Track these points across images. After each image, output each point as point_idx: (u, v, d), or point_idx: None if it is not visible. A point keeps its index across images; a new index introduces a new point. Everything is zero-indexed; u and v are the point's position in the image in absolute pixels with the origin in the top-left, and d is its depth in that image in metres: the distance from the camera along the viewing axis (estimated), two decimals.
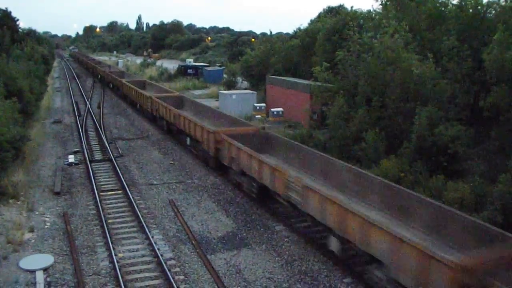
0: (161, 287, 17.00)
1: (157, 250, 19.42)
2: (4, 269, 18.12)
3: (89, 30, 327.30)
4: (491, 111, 25.67)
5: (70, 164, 31.91)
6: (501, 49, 25.00)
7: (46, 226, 22.10)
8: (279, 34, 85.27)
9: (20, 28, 77.52)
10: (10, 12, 69.63)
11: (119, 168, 30.49)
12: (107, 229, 21.32)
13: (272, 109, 47.87)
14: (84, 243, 20.45)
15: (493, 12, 31.91)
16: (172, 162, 33.06)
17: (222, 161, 28.34)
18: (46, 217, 23.13)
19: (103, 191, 26.80)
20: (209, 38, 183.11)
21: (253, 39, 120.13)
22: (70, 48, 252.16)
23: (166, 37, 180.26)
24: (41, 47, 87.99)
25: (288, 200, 21.28)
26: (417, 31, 35.23)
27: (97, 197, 25.32)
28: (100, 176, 29.57)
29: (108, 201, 25.24)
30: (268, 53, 63.90)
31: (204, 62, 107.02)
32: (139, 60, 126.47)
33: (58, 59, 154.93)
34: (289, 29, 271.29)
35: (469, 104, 28.61)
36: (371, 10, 46.56)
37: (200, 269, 18.41)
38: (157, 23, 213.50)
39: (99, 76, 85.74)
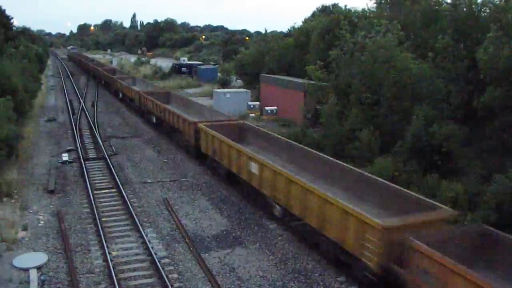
0: (155, 286, 17.01)
1: (151, 249, 19.41)
2: None
3: (84, 28, 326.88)
4: (485, 110, 25.71)
5: (64, 163, 31.86)
6: (495, 47, 25.02)
7: (40, 225, 22.08)
8: (274, 33, 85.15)
9: (14, 26, 77.11)
10: (4, 10, 69.26)
11: (113, 167, 30.47)
12: (101, 227, 21.30)
13: (266, 108, 47.94)
14: (78, 242, 20.43)
15: (487, 11, 31.93)
16: (166, 160, 33.05)
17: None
18: (40, 216, 23.10)
19: (97, 189, 26.78)
20: (203, 36, 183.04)
21: (247, 38, 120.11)
22: (69, 48, 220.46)
23: (160, 36, 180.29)
24: (35, 46, 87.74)
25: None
26: (411, 30, 35.27)
27: (91, 195, 25.29)
28: (94, 174, 29.54)
29: (102, 200, 25.22)
30: (262, 51, 63.89)
31: (198, 61, 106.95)
32: (133, 59, 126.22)
33: (52, 57, 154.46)
34: (284, 27, 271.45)
35: (463, 103, 28.63)
36: (366, 8, 46.59)
37: (194, 267, 18.43)
38: (152, 21, 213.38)
39: (120, 95, 61.23)
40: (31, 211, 23.67)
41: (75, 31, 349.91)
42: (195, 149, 32.39)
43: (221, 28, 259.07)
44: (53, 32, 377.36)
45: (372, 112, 31.24)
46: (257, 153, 25.15)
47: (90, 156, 33.62)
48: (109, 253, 18.99)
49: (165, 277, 17.18)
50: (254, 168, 23.44)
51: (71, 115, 48.69)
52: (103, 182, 28.17)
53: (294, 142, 27.48)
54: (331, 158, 23.93)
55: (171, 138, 37.73)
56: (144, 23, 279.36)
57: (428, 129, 26.01)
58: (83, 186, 27.43)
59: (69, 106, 53.75)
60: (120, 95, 60.74)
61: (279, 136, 29.09)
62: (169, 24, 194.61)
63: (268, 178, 22.08)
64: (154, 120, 43.19)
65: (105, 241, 20.03)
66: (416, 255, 14.49)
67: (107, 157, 32.56)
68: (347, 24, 36.73)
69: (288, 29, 74.52)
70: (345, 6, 54.76)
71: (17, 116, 35.53)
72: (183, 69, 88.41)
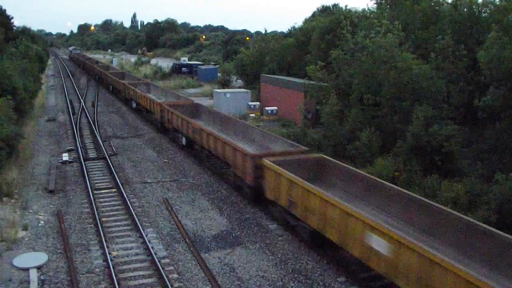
0: (155, 286, 16.99)
1: (151, 249, 19.39)
2: None
3: (84, 28, 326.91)
4: (487, 111, 25.68)
5: (64, 162, 31.85)
6: (497, 48, 24.97)
7: (40, 224, 22.06)
8: (274, 33, 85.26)
9: (14, 26, 77.26)
10: (5, 10, 69.40)
11: (113, 167, 30.45)
12: (101, 227, 21.29)
13: (267, 108, 47.91)
14: (78, 241, 20.41)
15: (488, 11, 31.94)
16: (166, 160, 33.03)
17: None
18: (40, 215, 23.08)
19: (97, 189, 26.76)
20: (203, 36, 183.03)
21: (247, 38, 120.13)
22: (70, 48, 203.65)
23: (161, 36, 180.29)
24: (35, 45, 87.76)
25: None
26: (412, 30, 35.27)
27: (91, 195, 25.28)
28: (94, 174, 29.53)
29: (102, 199, 25.21)
30: (262, 51, 63.93)
31: (198, 61, 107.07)
32: (133, 59, 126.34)
33: (52, 58, 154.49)
34: (284, 28, 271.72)
35: (463, 103, 28.65)
36: (366, 9, 46.65)
37: (194, 267, 18.41)
38: (152, 21, 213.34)
39: (134, 105, 51.66)
40: (31, 211, 23.66)
41: (75, 31, 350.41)
42: (253, 191, 24.07)
43: (221, 28, 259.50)
44: (53, 32, 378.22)
45: (373, 113, 31.22)
46: (343, 200, 18.18)
47: (90, 156, 33.60)
48: (109, 253, 18.98)
49: (165, 277, 17.15)
50: (378, 244, 15.36)
51: (71, 115, 48.68)
52: (103, 182, 28.15)
53: (406, 191, 19.16)
54: (473, 221, 16.37)
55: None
56: (145, 23, 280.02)
57: (428, 129, 26.01)
58: (83, 186, 27.42)
59: (69, 106, 53.75)
60: (134, 104, 51.58)
61: (381, 180, 20.40)
62: (170, 24, 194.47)
63: (413, 267, 14.06)
64: (184, 142, 34.57)
65: (105, 241, 20.02)
66: None
67: (107, 157, 32.55)
68: (348, 25, 36.72)
69: (289, 29, 74.66)
70: (346, 6, 54.67)
71: (18, 116, 35.57)
72: (184, 69, 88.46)
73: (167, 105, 39.10)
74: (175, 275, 17.69)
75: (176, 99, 45.73)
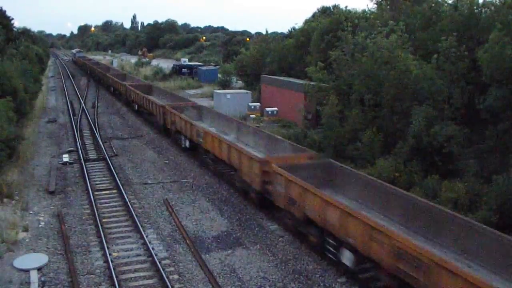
0: (156, 287, 16.98)
1: (151, 250, 19.39)
2: None
3: (84, 29, 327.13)
4: (489, 112, 25.61)
5: (65, 164, 31.84)
6: (498, 47, 24.89)
7: (40, 226, 22.06)
8: (274, 34, 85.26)
9: (14, 27, 77.12)
10: (5, 11, 69.26)
11: (113, 168, 30.45)
12: (102, 228, 21.28)
13: (267, 109, 47.88)
14: (79, 243, 20.41)
15: (488, 12, 31.88)
16: (166, 161, 33.02)
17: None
18: (41, 217, 23.08)
19: (97, 190, 26.75)
20: (204, 37, 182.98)
21: (247, 39, 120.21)
22: (73, 50, 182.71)
23: (161, 37, 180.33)
24: (35, 46, 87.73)
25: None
26: (412, 31, 35.22)
27: (92, 196, 25.26)
28: (94, 175, 29.52)
29: (102, 201, 25.20)
30: (263, 52, 63.90)
31: (198, 62, 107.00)
32: (133, 60, 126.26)
33: (53, 59, 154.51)
34: (284, 28, 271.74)
35: (464, 104, 28.59)
36: (366, 10, 46.62)
37: (195, 268, 18.40)
38: (152, 22, 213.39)
39: (185, 143, 34.10)
40: (31, 212, 23.66)
41: (75, 32, 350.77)
42: None
43: (221, 29, 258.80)
44: (54, 33, 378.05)
45: (373, 113, 31.19)
46: None
47: (90, 157, 33.60)
48: (109, 254, 18.98)
49: (165, 278, 17.16)
50: None
51: (71, 116, 48.69)
52: (103, 183, 28.15)
53: None
54: None
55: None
56: (145, 24, 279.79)
57: (429, 130, 25.99)
58: (83, 187, 27.42)
59: (69, 107, 53.75)
60: (187, 143, 34.00)
61: None
62: (170, 25, 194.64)
63: None
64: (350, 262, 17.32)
65: (106, 242, 20.02)
66: None
67: (107, 158, 32.55)
68: (349, 25, 36.68)
69: (289, 30, 74.60)
70: (346, 7, 54.54)
71: (18, 117, 35.56)
72: (184, 70, 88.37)
73: (279, 168, 21.15)
74: (176, 276, 17.69)
75: (266, 138, 28.88)
